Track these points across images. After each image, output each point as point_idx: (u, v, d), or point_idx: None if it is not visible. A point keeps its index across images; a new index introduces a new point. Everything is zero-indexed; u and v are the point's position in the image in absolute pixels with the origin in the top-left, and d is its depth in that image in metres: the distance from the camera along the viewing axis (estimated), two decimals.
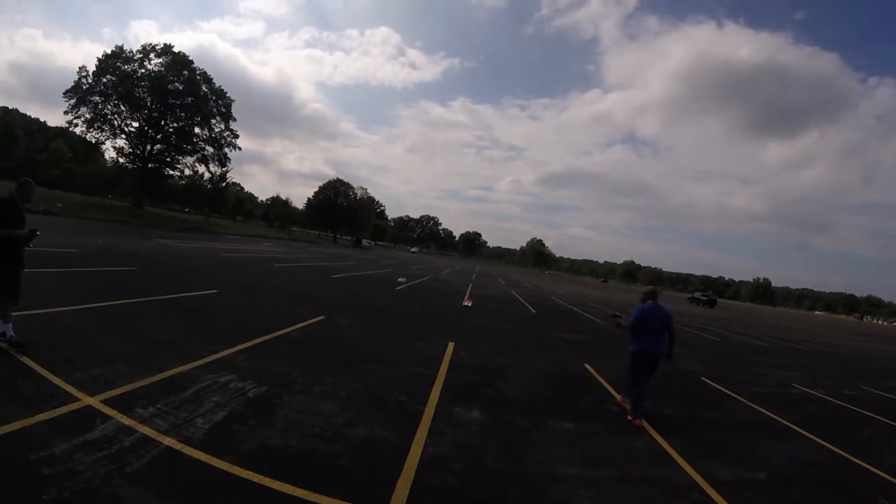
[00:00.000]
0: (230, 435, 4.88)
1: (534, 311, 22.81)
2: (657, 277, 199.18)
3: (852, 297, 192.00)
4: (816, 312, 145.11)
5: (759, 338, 25.77)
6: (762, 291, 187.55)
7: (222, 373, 6.66)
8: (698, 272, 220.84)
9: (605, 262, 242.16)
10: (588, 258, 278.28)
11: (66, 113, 55.65)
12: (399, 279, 23.79)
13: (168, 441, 4.48)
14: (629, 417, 7.63)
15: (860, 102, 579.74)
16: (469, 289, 29.32)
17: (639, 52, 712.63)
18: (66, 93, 55.33)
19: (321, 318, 11.85)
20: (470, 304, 19.24)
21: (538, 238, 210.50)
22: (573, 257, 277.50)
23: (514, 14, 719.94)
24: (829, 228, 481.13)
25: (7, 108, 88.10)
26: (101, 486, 3.63)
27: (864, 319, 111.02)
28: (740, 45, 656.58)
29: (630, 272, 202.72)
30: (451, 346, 11.00)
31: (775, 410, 9.41)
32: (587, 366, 10.99)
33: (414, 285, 26.79)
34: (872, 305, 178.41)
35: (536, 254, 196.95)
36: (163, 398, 5.43)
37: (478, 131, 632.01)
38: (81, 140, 60.55)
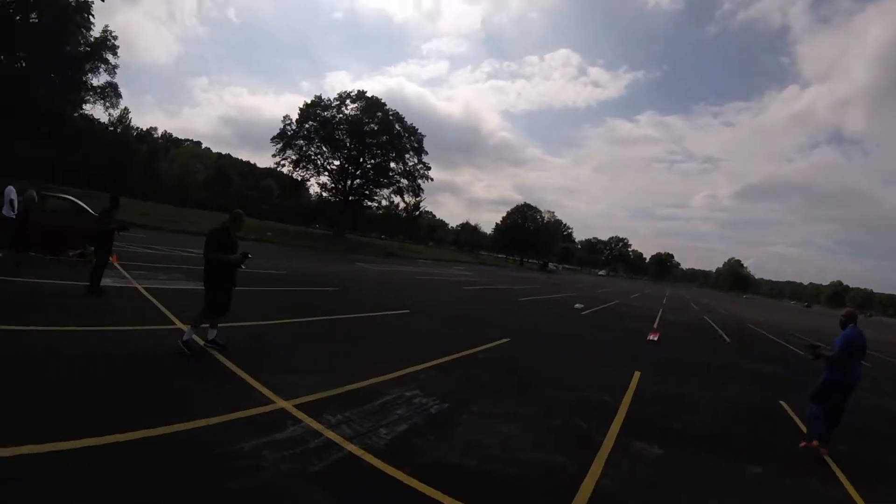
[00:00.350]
0: (409, 447, 4.94)
1: (728, 340, 21.11)
2: (867, 300, 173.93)
3: None
4: None
5: None
6: None
7: (408, 388, 6.85)
8: None
9: (810, 283, 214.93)
10: (791, 279, 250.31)
11: (273, 156, 63.46)
12: (576, 305, 22.40)
13: (351, 447, 4.63)
14: (813, 443, 6.98)
15: None
16: (659, 315, 27.86)
17: (834, 36, 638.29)
18: (273, 138, 62.93)
19: (506, 340, 11.83)
20: (656, 339, 15.86)
21: (736, 258, 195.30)
22: (774, 279, 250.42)
23: (694, 15, 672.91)
24: None
25: (220, 153, 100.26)
26: (282, 482, 3.83)
27: None
28: None
29: (837, 294, 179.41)
30: (636, 375, 10.41)
31: None
32: (782, 403, 9.83)
33: (601, 310, 26.10)
34: None
35: (734, 276, 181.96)
36: (351, 407, 5.66)
37: (668, 144, 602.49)
38: (288, 178, 67.83)
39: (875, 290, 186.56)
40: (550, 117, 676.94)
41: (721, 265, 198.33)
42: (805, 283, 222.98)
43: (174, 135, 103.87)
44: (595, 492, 4.75)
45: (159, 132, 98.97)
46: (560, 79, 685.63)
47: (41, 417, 4.18)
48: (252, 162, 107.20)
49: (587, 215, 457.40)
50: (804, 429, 7.85)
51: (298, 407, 5.32)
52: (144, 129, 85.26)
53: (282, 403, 5.32)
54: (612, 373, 10.35)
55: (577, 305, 18.93)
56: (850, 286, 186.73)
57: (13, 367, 5.20)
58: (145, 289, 9.94)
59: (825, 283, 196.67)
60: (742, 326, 29.84)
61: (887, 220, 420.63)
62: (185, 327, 7.08)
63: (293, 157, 63.54)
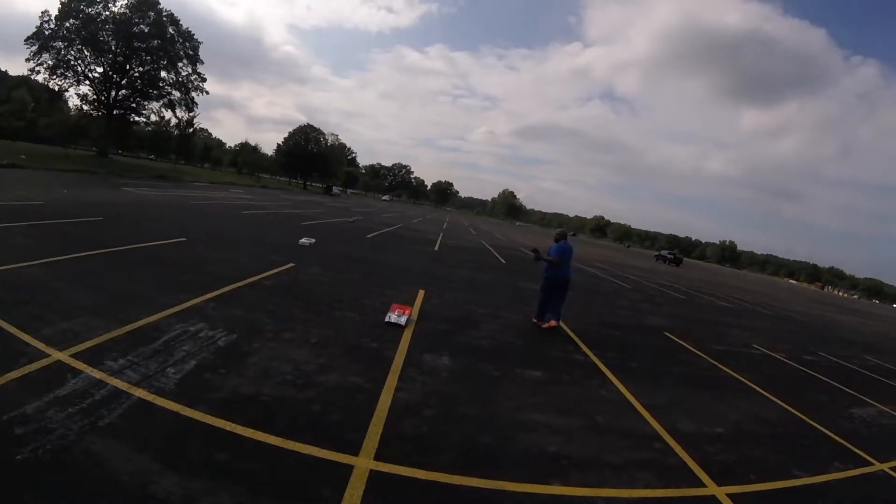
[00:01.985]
0: (202, 384, 4.95)
1: (504, 262, 23.01)
2: (626, 233, 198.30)
3: (815, 266, 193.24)
4: (791, 281, 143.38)
5: (722, 298, 26.17)
6: (728, 254, 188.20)
7: (192, 322, 6.68)
8: (667, 231, 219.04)
9: (576, 216, 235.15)
10: (558, 211, 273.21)
11: (27, 60, 53.18)
12: (301, 241, 20.54)
13: (139, 393, 4.53)
14: (543, 325, 10.05)
15: (842, 79, 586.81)
16: (439, 240, 29.24)
17: (623, 7, 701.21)
18: (27, 39, 52.60)
19: (291, 265, 11.85)
20: (403, 320, 8.55)
21: (510, 190, 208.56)
22: (544, 210, 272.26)
23: None
24: (801, 199, 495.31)
25: None
26: (74, 441, 3.68)
27: (826, 289, 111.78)
28: (728, 10, 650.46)
29: (600, 227, 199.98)
30: (421, 293, 11.15)
31: (736, 369, 9.73)
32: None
33: (385, 233, 27.01)
34: (835, 276, 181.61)
35: (507, 205, 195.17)
36: (133, 350, 5.44)
37: (454, 80, 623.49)
38: (44, 88, 58.25)
39: (633, 226, 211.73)
40: (340, 37, 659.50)
41: (497, 195, 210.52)
42: (571, 215, 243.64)
43: None
44: (392, 405, 5.21)
45: None
46: None
47: None
48: (3, 69, 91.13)
49: (372, 140, 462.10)
50: (577, 339, 9.56)
51: (76, 356, 5.00)
52: None
53: (57, 355, 4.95)
54: (398, 293, 10.90)
55: (302, 241, 17.15)
56: (611, 221, 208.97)
57: None
58: None
59: (589, 216, 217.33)
60: (516, 250, 32.28)
61: (647, 169, 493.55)
62: None
63: (50, 63, 53.27)
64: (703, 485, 4.76)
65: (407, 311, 8.77)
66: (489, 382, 6.53)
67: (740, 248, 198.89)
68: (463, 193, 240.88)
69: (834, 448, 6.60)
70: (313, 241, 16.52)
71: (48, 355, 4.93)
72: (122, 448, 3.72)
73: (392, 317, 8.50)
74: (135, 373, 4.90)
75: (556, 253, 10.24)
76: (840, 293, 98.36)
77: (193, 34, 62.55)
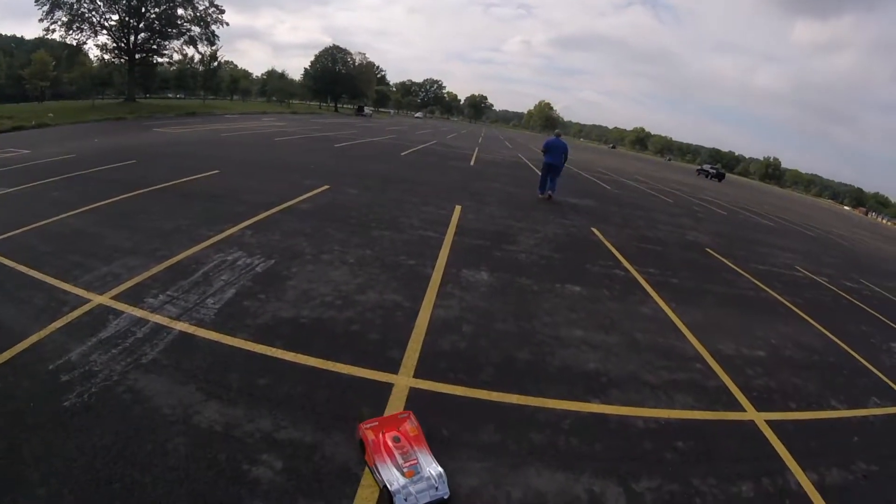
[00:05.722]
0: (242, 311, 4.99)
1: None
2: (667, 146, 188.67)
3: (860, 190, 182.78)
4: (846, 207, 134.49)
5: (765, 216, 24.87)
6: (772, 171, 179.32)
7: (230, 251, 6.72)
8: (710, 145, 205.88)
9: (615, 127, 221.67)
10: (598, 123, 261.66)
11: (41, 21, 52.93)
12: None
13: (180, 326, 4.59)
14: (540, 195, 14.83)
15: None
16: (475, 154, 28.59)
17: None
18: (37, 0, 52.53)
19: (326, 187, 11.79)
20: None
21: (547, 101, 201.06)
22: (584, 122, 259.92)
23: None
24: (851, 121, 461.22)
25: None
26: (118, 381, 3.74)
27: (870, 216, 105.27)
28: None
29: (640, 140, 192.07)
30: (458, 209, 11.04)
31: (778, 290, 9.32)
32: (594, 230, 11.02)
33: (419, 150, 26.53)
34: (879, 203, 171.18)
35: (544, 117, 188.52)
36: (172, 284, 5.49)
37: None
38: (62, 45, 58.10)
39: (674, 139, 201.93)
40: None
41: (533, 107, 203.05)
42: (610, 126, 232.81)
43: None
44: (431, 322, 5.21)
45: None
46: None
47: None
48: (19, 35, 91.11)
49: (402, 59, 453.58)
50: (618, 254, 9.42)
51: (116, 298, 5.06)
52: None
53: (98, 299, 5.00)
54: (435, 209, 10.88)
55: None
56: (652, 133, 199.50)
57: None
58: None
59: (629, 128, 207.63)
60: None
61: (691, 81, 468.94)
62: None
63: (64, 19, 53.24)
64: (742, 409, 4.67)
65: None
66: (528, 298, 6.45)
67: (785, 166, 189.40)
68: (498, 106, 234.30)
69: (873, 383, 6.21)
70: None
71: (89, 300, 4.98)
72: (164, 382, 3.77)
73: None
74: (175, 307, 4.96)
75: (545, 145, 14.57)
76: (884, 221, 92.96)
77: None
